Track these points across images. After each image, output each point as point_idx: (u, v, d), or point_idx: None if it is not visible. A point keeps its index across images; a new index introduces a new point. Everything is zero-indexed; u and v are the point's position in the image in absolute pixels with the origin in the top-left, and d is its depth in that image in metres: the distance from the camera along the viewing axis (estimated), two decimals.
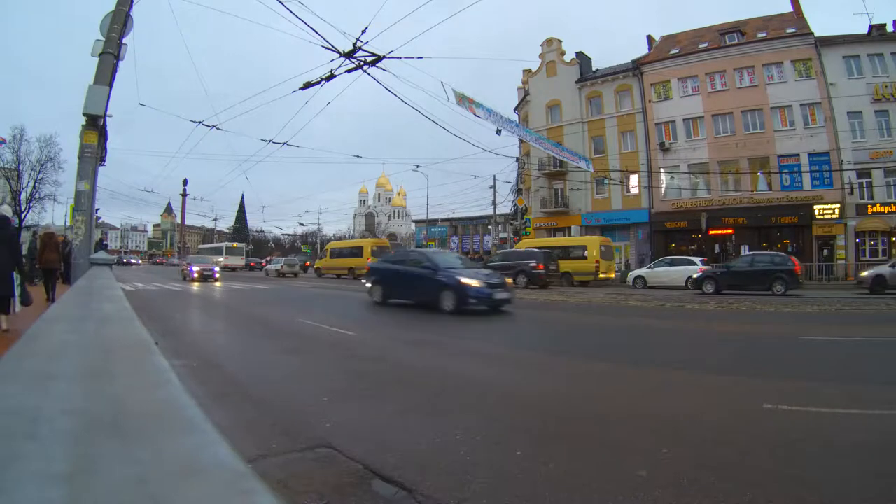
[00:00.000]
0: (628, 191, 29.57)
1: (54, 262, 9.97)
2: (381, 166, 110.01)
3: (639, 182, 29.12)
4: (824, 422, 3.45)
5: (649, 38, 32.31)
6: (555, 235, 31.07)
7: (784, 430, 3.27)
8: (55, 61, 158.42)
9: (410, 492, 2.39)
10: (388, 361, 5.68)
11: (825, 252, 24.20)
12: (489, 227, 39.40)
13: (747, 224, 25.44)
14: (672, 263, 20.56)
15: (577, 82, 31.81)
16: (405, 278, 11.09)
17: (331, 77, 10.97)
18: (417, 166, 34.25)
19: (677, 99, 28.26)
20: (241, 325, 9.22)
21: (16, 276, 6.22)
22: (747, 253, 20.18)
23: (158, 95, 59.80)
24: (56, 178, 32.97)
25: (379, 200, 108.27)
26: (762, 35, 26.50)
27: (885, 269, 16.12)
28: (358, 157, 38.78)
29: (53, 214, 63.62)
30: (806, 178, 24.61)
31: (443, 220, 51.23)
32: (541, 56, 33.84)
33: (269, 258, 45.28)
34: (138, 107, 15.85)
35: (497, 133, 16.38)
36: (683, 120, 27.90)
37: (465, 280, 9.89)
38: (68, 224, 14.16)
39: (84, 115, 6.33)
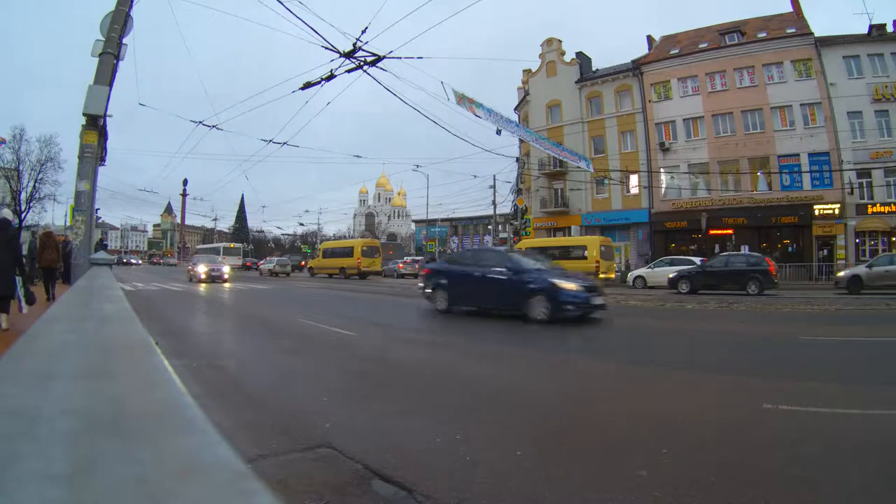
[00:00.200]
0: (628, 191, 29.54)
1: (53, 262, 10.01)
2: (382, 166, 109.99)
3: (639, 182, 29.09)
4: (824, 422, 3.45)
5: (649, 38, 32.30)
6: (555, 235, 31.07)
7: (784, 430, 3.27)
8: (55, 61, 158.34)
9: (410, 492, 2.39)
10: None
11: (825, 252, 24.18)
12: (489, 227, 39.35)
13: (747, 224, 25.40)
14: (672, 264, 20.53)
15: (577, 82, 31.79)
16: (478, 282, 9.58)
17: (331, 77, 10.96)
18: (417, 166, 34.42)
19: (677, 99, 28.23)
20: (240, 324, 9.21)
21: (17, 278, 6.30)
22: (722, 254, 19.62)
23: (158, 95, 59.95)
24: (56, 178, 33.09)
25: (379, 200, 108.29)
26: (762, 35, 26.47)
27: (861, 270, 16.22)
28: (358, 157, 38.63)
29: (53, 214, 63.80)
30: (806, 178, 24.58)
31: (443, 220, 51.21)
32: (541, 56, 33.82)
33: (265, 259, 45.47)
34: (138, 107, 15.84)
35: (497, 133, 16.30)
36: (683, 120, 27.87)
37: (560, 283, 8.63)
38: (68, 224, 14.15)
39: (84, 115, 6.33)
